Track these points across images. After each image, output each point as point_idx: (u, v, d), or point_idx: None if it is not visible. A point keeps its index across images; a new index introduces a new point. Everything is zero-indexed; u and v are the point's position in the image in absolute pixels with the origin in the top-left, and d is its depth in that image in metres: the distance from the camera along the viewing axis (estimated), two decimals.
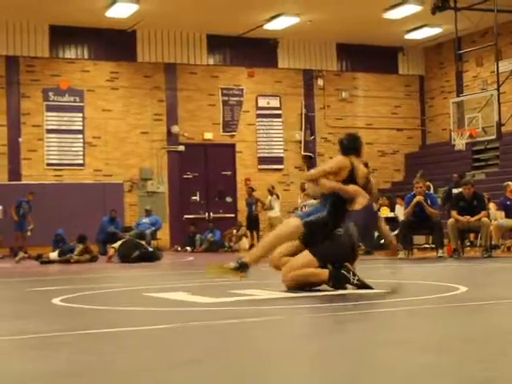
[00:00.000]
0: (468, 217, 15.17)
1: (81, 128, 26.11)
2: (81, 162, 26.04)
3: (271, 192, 24.23)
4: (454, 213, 15.56)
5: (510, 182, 17.45)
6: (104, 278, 12.49)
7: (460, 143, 23.88)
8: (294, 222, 7.91)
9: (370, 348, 4.16)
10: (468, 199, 15.46)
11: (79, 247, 18.47)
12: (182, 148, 27.11)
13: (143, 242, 18.92)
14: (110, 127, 26.35)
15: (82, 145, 26.08)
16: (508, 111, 24.46)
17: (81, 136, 26.09)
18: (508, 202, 16.94)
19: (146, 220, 23.57)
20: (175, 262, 18.65)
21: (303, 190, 23.13)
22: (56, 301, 7.32)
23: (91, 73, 26.37)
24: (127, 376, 3.54)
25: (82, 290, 8.69)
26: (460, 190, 16.39)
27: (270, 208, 23.93)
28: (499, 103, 23.05)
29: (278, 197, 24.28)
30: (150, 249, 18.35)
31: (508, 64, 25.33)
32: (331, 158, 28.87)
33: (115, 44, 26.28)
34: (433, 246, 16.97)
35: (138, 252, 17.43)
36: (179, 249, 25.49)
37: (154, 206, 25.04)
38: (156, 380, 3.41)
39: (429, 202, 15.57)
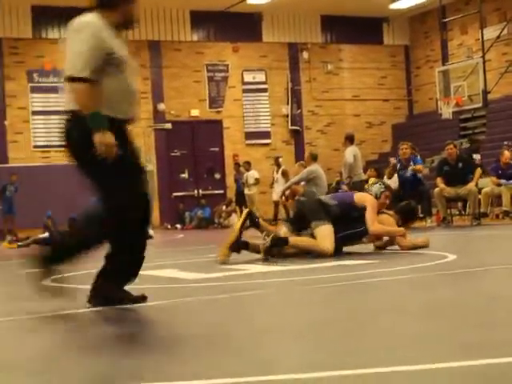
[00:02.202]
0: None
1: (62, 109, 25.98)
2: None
3: (277, 163, 23.52)
4: (438, 180, 15.42)
5: (506, 151, 17.43)
6: (95, 256, 12.51)
7: (447, 112, 23.96)
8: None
9: (364, 316, 4.23)
10: (452, 163, 15.41)
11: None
12: (168, 126, 27.08)
13: None
14: None
15: None
16: (493, 79, 24.52)
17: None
18: (500, 171, 16.91)
19: None
20: (165, 239, 18.71)
21: (278, 165, 23.06)
22: (47, 281, 7.34)
23: None
24: (129, 351, 3.60)
25: (72, 270, 8.72)
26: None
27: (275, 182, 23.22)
28: (485, 71, 23.12)
29: (284, 173, 23.26)
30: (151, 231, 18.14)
31: (492, 31, 25.34)
32: (320, 131, 28.95)
33: None
34: (421, 215, 17.04)
35: None
36: (169, 226, 25.54)
37: None
38: (153, 355, 3.46)
39: (412, 164, 15.65)
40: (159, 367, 3.12)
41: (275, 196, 22.74)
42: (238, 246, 8.68)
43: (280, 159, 23.91)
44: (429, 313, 4.24)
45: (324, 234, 8.47)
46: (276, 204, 22.97)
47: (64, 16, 25.66)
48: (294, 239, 8.63)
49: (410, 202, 9.41)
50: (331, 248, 8.40)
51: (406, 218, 9.00)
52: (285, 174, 22.88)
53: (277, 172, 23.18)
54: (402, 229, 8.76)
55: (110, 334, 4.19)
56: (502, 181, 16.68)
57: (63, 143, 5.19)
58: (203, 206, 25.67)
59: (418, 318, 4.08)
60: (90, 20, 5.08)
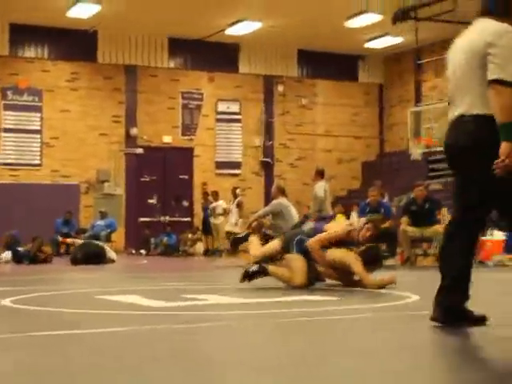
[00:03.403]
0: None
1: (39, 128, 25.92)
2: (38, 162, 25.85)
3: (234, 194, 23.62)
4: (404, 219, 15.56)
5: None
6: (56, 279, 12.40)
7: (416, 152, 24.13)
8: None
9: (315, 357, 4.18)
10: (420, 203, 15.52)
11: (32, 247, 18.25)
12: (140, 151, 27.03)
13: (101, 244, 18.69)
14: (68, 128, 26.19)
15: (39, 145, 25.89)
16: None
17: (38, 136, 25.90)
18: None
19: (101, 222, 23.43)
20: (129, 264, 18.57)
21: (235, 196, 23.01)
22: (6, 302, 7.25)
23: (51, 73, 26.19)
24: (72, 379, 3.53)
25: (33, 292, 8.62)
26: None
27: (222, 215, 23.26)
28: None
29: (239, 204, 23.42)
30: (112, 253, 18.08)
31: None
32: (292, 164, 29.00)
33: (76, 44, 26.10)
34: (386, 254, 17.05)
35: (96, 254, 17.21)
36: (134, 252, 25.39)
37: (110, 209, 24.90)
38: (108, 380, 3.40)
39: (382, 211, 15.62)
40: None
41: (228, 227, 22.74)
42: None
43: (237, 190, 23.93)
44: (384, 354, 4.21)
45: (297, 267, 8.66)
46: (229, 234, 23.02)
47: (41, 35, 25.70)
48: (272, 269, 8.76)
49: (372, 247, 9.16)
50: (303, 281, 8.61)
51: (368, 263, 8.95)
52: (240, 206, 22.93)
53: (232, 202, 23.14)
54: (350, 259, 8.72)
55: (44, 361, 4.11)
56: None
57: (464, 144, 4.97)
58: (169, 232, 25.57)
59: (373, 361, 4.04)
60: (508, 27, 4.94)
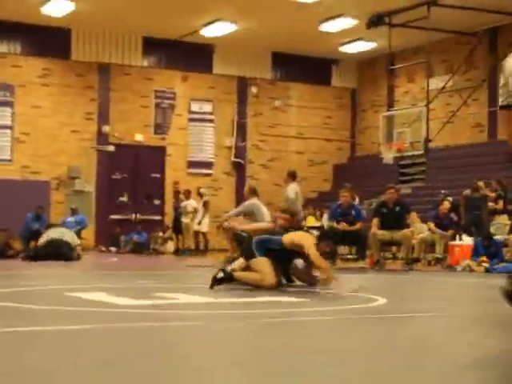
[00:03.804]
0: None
1: (10, 123, 25.73)
2: (8, 157, 25.66)
3: (199, 193, 23.75)
4: (374, 221, 15.64)
5: (445, 201, 17.69)
6: (24, 275, 12.33)
7: (388, 156, 24.24)
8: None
9: (282, 355, 4.20)
10: (390, 206, 15.60)
11: None
12: (111, 148, 26.93)
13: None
14: (39, 124, 26.02)
15: (10, 140, 25.71)
16: (436, 127, 24.88)
17: (9, 131, 25.71)
18: (437, 220, 17.15)
19: (71, 219, 23.29)
20: (99, 262, 18.50)
21: (200, 195, 23.20)
22: None
23: (23, 68, 26.01)
24: (41, 376, 3.51)
25: (1, 287, 8.57)
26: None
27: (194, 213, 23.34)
28: (428, 120, 23.45)
29: (204, 204, 23.54)
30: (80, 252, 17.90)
31: (438, 82, 25.77)
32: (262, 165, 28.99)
33: (49, 41, 25.94)
34: (356, 256, 17.15)
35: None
36: (103, 249, 25.29)
37: (81, 205, 24.76)
38: (69, 382, 3.39)
39: (353, 213, 15.67)
40: None
41: (196, 226, 22.99)
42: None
43: (202, 189, 24.03)
44: (346, 356, 4.23)
45: (265, 269, 8.72)
46: (203, 234, 23.26)
47: (14, 31, 25.52)
48: (239, 275, 8.80)
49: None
50: (274, 282, 8.66)
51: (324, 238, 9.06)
52: (205, 205, 23.05)
53: (198, 202, 23.31)
54: None
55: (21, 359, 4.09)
56: (438, 230, 16.92)
57: None
58: (140, 230, 25.49)
59: (335, 361, 4.06)
60: None
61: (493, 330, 5.57)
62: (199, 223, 23.14)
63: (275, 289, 8.55)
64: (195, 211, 23.33)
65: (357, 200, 18.44)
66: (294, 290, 8.77)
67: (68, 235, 17.71)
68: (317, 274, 9.04)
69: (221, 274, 8.67)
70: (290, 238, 8.85)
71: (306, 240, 8.74)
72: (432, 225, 17.18)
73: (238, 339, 5.01)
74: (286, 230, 9.34)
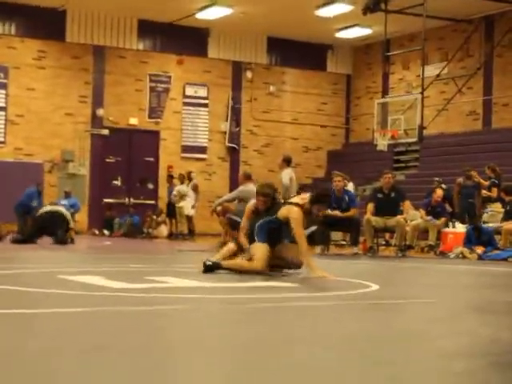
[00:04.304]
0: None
1: (3, 105, 25.64)
2: (1, 139, 25.59)
3: (189, 177, 23.58)
4: (369, 206, 15.69)
5: (438, 189, 17.70)
6: (16, 258, 12.32)
7: (382, 144, 24.24)
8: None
9: (272, 343, 4.20)
10: (385, 191, 15.64)
11: None
12: (106, 132, 26.88)
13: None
14: (33, 106, 25.94)
15: (3, 122, 25.63)
16: (430, 115, 24.91)
17: (3, 113, 25.63)
18: (430, 208, 17.17)
19: (64, 202, 23.20)
20: (92, 245, 18.50)
21: (190, 179, 23.13)
22: None
23: (18, 50, 25.90)
24: (34, 359, 3.51)
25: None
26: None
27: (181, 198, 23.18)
28: (422, 107, 23.46)
29: (194, 188, 23.36)
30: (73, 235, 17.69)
31: (433, 69, 25.77)
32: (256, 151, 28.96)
33: (44, 22, 25.82)
34: (349, 242, 17.18)
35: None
36: (97, 232, 25.29)
37: (74, 189, 24.74)
38: (63, 364, 3.39)
39: (346, 199, 15.65)
40: None
41: (186, 211, 22.84)
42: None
43: (192, 174, 23.97)
44: (340, 343, 4.23)
45: (259, 253, 8.75)
46: (189, 218, 23.03)
47: (8, 12, 25.38)
48: (227, 263, 8.85)
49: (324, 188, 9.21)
50: (263, 266, 8.68)
51: (317, 201, 8.80)
52: (195, 189, 22.97)
53: (187, 185, 23.18)
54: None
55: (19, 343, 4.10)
56: (429, 217, 16.95)
57: None
58: (133, 214, 25.48)
59: (328, 348, 4.06)
60: None
61: (485, 318, 5.58)
62: (193, 207, 23.07)
63: (264, 273, 8.55)
64: (180, 195, 23.15)
65: (351, 186, 18.41)
66: (285, 275, 8.77)
67: (64, 211, 17.52)
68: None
69: (209, 262, 8.70)
70: (281, 211, 8.85)
71: (292, 213, 8.67)
72: (423, 212, 17.22)
73: (226, 324, 5.01)
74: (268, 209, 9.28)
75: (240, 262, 8.90)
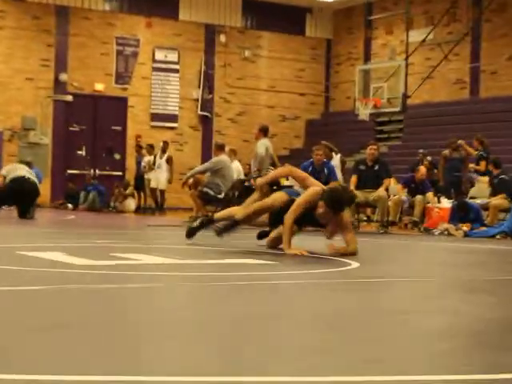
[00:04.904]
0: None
1: None
2: None
3: (164, 149, 23.29)
4: (352, 178, 15.68)
5: (422, 167, 17.68)
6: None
7: (363, 113, 24.27)
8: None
9: (246, 323, 4.20)
10: (369, 163, 15.63)
11: None
12: (69, 98, 26.69)
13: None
14: None
15: None
16: (415, 83, 24.95)
17: None
18: (413, 185, 17.09)
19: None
20: (55, 219, 18.42)
21: (164, 150, 22.92)
22: None
23: None
24: None
25: None
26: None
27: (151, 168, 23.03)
28: (406, 74, 23.49)
29: (169, 160, 23.11)
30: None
31: (418, 34, 25.78)
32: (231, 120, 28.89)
33: None
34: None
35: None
36: (59, 206, 25.17)
37: (36, 159, 24.56)
38: (12, 342, 3.37)
39: (326, 172, 15.63)
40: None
41: (154, 183, 22.57)
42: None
43: (166, 144, 23.62)
44: (322, 323, 4.24)
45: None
46: (162, 192, 22.76)
47: None
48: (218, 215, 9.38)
49: (336, 187, 9.00)
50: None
51: (333, 208, 8.53)
52: (170, 161, 22.81)
53: (160, 157, 22.90)
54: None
55: None
56: (404, 197, 16.90)
57: None
58: (99, 186, 25.35)
59: (311, 327, 4.07)
60: None
61: (469, 296, 5.63)
62: (169, 182, 22.78)
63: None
64: (149, 166, 23.00)
65: (337, 159, 18.33)
66: (266, 252, 8.77)
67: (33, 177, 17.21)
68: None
69: (197, 223, 8.90)
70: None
71: (311, 190, 8.64)
72: (400, 187, 17.21)
73: (196, 304, 5.01)
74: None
75: (235, 209, 9.17)
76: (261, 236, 9.37)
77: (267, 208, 8.66)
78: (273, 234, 9.07)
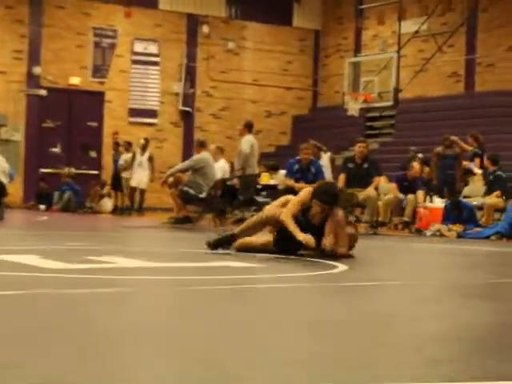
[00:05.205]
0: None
1: None
2: None
3: (144, 146, 23.24)
4: (341, 176, 15.71)
5: (415, 163, 17.73)
6: None
7: (353, 108, 24.29)
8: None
9: (225, 330, 4.19)
10: (358, 161, 15.65)
11: None
12: (43, 92, 26.64)
13: None
14: None
15: None
16: (407, 76, 24.99)
17: None
18: (405, 183, 17.13)
19: None
20: (27, 221, 18.37)
21: (144, 148, 22.83)
22: None
23: None
24: None
25: None
26: None
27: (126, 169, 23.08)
28: (398, 67, 23.52)
29: (151, 159, 23.04)
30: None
31: (411, 25, 25.81)
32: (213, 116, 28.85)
33: None
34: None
35: None
36: (32, 206, 25.11)
37: (7, 156, 24.37)
38: None
39: (313, 170, 15.64)
40: None
41: (135, 182, 22.44)
42: None
43: (147, 142, 23.52)
44: (308, 328, 4.24)
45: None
46: (142, 192, 22.66)
47: None
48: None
49: (323, 182, 9.30)
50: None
51: (326, 200, 8.61)
52: (151, 160, 22.76)
53: (141, 155, 22.79)
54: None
55: None
56: (401, 196, 16.95)
57: None
58: (74, 186, 25.28)
59: (298, 333, 4.07)
60: None
61: (463, 301, 5.63)
62: (152, 181, 22.65)
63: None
64: (126, 165, 22.95)
65: (326, 158, 18.36)
66: (248, 255, 8.76)
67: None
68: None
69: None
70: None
71: (302, 192, 8.85)
72: (394, 186, 17.26)
73: (174, 310, 5.00)
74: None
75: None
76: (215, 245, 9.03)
77: (263, 222, 8.77)
78: (241, 240, 9.07)
